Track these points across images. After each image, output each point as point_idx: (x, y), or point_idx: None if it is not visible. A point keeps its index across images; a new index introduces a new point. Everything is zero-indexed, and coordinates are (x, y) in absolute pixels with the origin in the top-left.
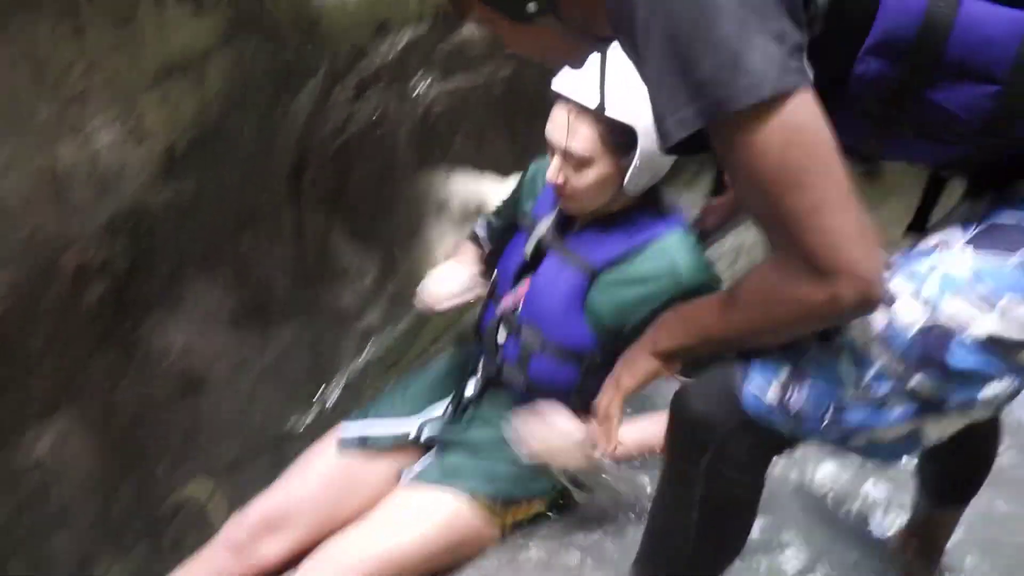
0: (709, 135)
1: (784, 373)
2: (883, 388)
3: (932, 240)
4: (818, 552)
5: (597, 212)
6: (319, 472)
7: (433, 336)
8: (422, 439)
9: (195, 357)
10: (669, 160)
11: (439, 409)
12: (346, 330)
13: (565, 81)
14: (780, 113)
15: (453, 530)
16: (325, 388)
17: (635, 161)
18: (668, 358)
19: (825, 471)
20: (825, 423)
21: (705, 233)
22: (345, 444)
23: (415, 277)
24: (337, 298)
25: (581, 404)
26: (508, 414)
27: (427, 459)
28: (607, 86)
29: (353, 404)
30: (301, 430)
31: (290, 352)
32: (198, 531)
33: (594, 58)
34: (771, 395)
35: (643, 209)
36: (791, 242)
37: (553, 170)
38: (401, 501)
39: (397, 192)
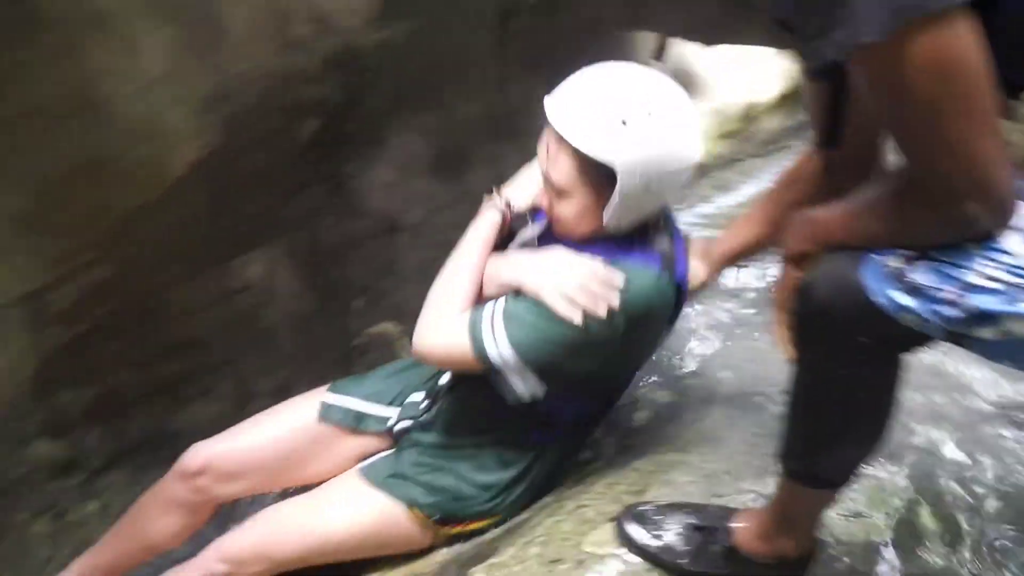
0: (857, 60)
1: (909, 250)
2: (1021, 279)
3: None
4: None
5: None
6: (291, 429)
7: None
8: (395, 430)
9: (394, 199)
10: (657, 200)
11: (420, 397)
12: None
13: (553, 103)
14: (939, 37)
15: (384, 532)
16: None
17: (614, 198)
18: (795, 261)
19: None
20: (947, 299)
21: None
22: (326, 413)
23: None
24: (531, 155)
25: (537, 414)
26: (471, 417)
27: (384, 454)
28: (585, 120)
29: None
30: None
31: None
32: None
33: (580, 87)
34: (891, 266)
35: (627, 240)
36: (932, 164)
37: (540, 192)
38: (343, 491)
39: (602, 52)
